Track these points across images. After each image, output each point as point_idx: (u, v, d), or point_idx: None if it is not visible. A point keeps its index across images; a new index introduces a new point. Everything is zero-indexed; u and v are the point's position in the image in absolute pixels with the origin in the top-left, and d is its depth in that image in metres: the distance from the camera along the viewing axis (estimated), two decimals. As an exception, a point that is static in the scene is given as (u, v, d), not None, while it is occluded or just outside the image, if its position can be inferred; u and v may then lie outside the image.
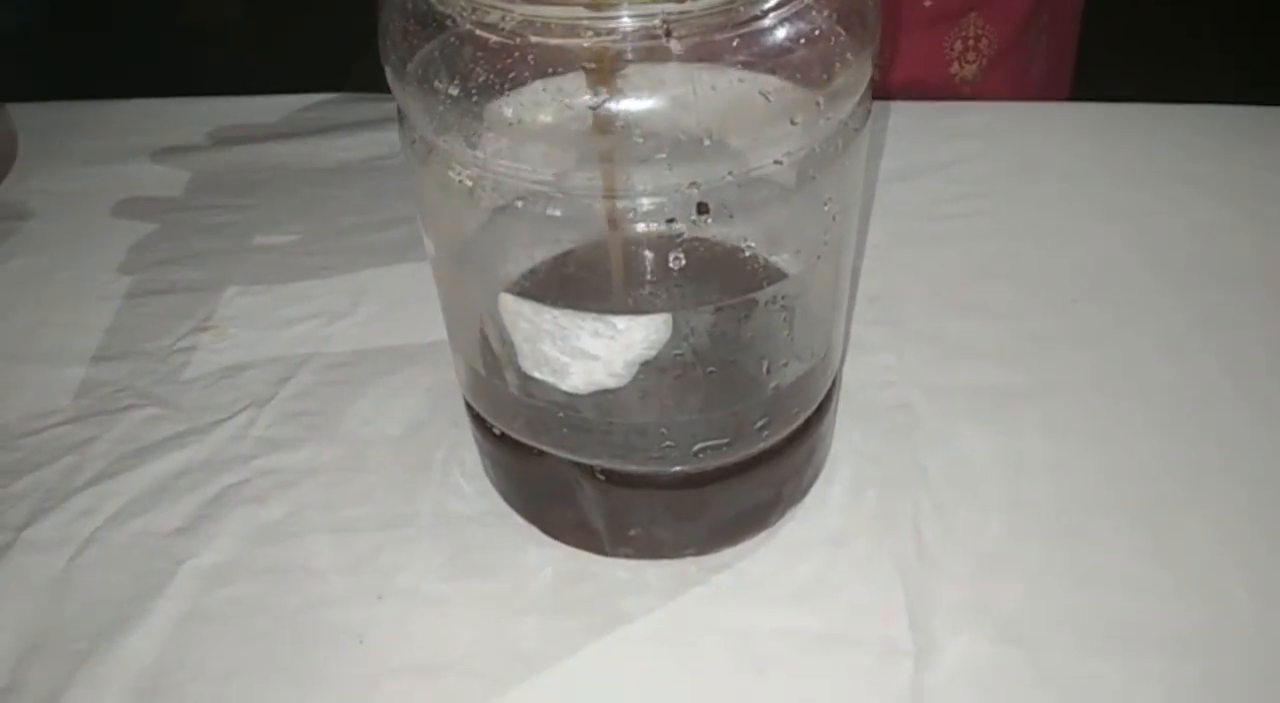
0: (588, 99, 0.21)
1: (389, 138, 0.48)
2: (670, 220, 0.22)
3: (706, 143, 0.22)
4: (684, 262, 0.23)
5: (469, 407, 0.31)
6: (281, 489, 0.34)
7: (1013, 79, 0.52)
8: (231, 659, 0.29)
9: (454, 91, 0.23)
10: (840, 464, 0.33)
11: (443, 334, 0.31)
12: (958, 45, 0.49)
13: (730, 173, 0.22)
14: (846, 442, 0.34)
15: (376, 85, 0.50)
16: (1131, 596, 0.30)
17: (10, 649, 0.30)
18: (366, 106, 0.50)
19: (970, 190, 0.44)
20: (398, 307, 0.40)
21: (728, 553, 0.31)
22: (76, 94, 0.53)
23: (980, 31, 0.49)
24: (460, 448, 0.34)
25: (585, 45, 0.21)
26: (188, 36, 1.32)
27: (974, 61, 0.50)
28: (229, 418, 0.36)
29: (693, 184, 0.22)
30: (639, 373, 0.25)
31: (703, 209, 0.22)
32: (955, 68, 0.50)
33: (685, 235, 0.23)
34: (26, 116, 0.50)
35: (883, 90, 0.24)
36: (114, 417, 0.36)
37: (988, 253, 0.41)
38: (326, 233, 0.44)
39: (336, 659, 0.29)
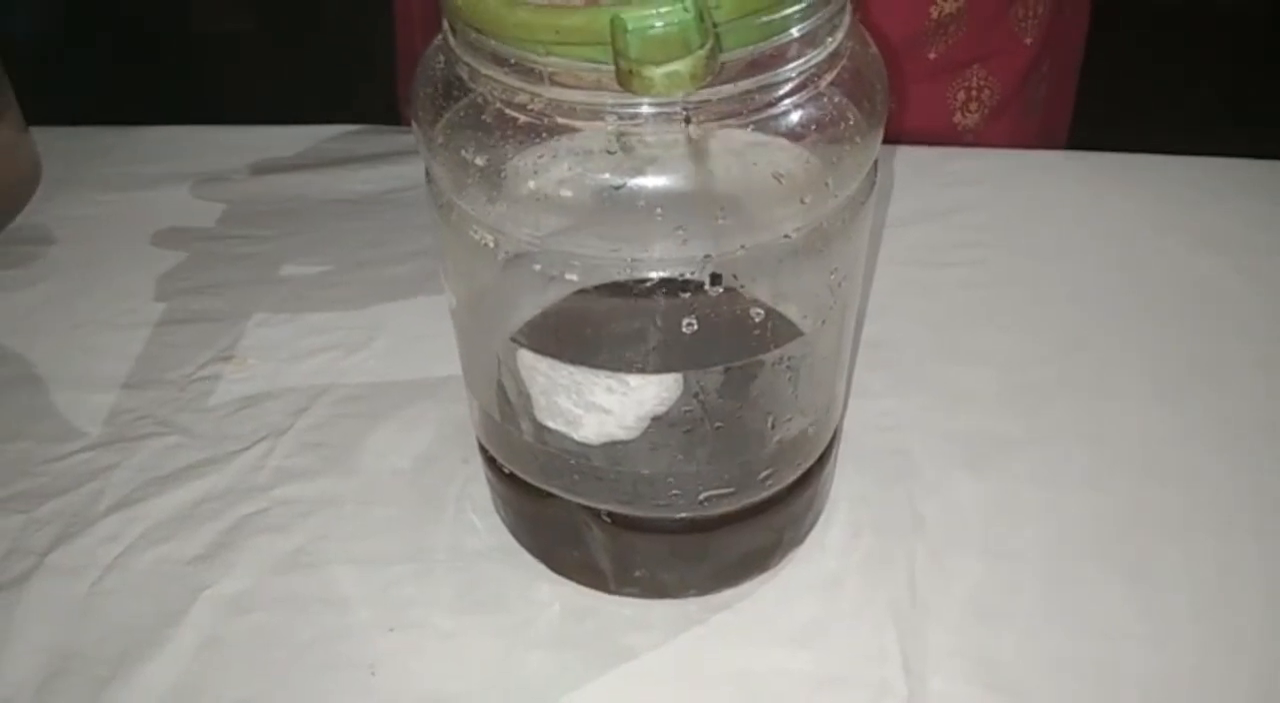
0: (609, 178, 0.22)
1: (405, 171, 0.49)
2: (684, 289, 0.24)
3: (720, 220, 0.23)
4: (696, 327, 0.24)
5: (481, 447, 0.32)
6: (299, 520, 0.35)
7: (1014, 127, 0.53)
8: (247, 689, 0.31)
9: (480, 162, 0.24)
10: (839, 508, 0.35)
11: (455, 370, 0.32)
12: (960, 95, 0.51)
13: (742, 247, 0.23)
14: (846, 485, 0.35)
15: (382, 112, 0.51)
16: (1118, 644, 0.31)
17: (35, 673, 0.31)
18: (383, 139, 0.52)
19: (971, 238, 0.45)
20: (413, 341, 0.41)
21: (729, 594, 0.32)
22: (91, 110, 0.54)
23: (983, 82, 0.51)
24: (471, 483, 0.35)
25: (609, 129, 0.22)
26: (199, 44, 1.34)
27: (976, 111, 0.51)
28: (248, 448, 0.37)
29: (706, 256, 0.23)
30: (649, 427, 0.27)
31: (716, 280, 0.23)
32: (958, 117, 0.52)
33: (697, 302, 0.24)
34: (48, 140, 0.51)
35: (887, 135, 0.25)
36: (136, 444, 0.37)
37: (987, 300, 0.42)
38: (345, 265, 0.45)
39: (348, 691, 0.30)
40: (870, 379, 0.39)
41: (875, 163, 0.26)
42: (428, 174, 0.27)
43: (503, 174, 0.23)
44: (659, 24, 0.20)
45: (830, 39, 0.23)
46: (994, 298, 0.43)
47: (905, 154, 0.49)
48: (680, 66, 0.19)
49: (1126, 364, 0.40)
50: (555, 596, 0.32)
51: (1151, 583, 0.32)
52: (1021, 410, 0.38)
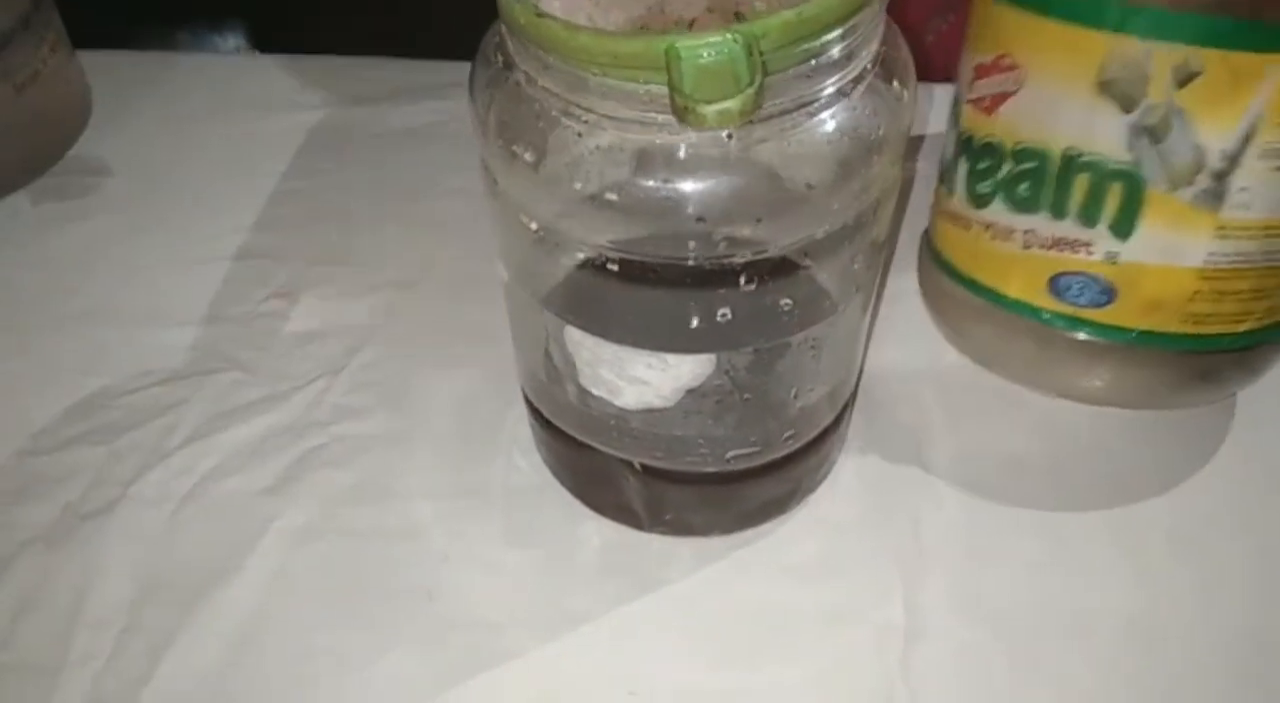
0: (654, 185, 0.25)
1: (448, 106, 0.51)
2: (721, 284, 0.26)
3: (756, 225, 0.25)
4: (730, 315, 0.27)
5: (526, 398, 0.35)
6: (356, 455, 0.38)
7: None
8: (316, 613, 0.34)
9: (528, 157, 0.26)
10: (851, 454, 0.37)
11: (502, 315, 0.35)
12: None
13: (775, 247, 0.26)
14: (859, 433, 0.38)
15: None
16: (1106, 586, 0.34)
17: (127, 592, 0.35)
18: (424, 74, 0.53)
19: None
20: (460, 282, 0.43)
21: (749, 533, 0.35)
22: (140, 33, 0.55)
23: None
24: (517, 425, 0.38)
25: (656, 141, 0.24)
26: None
27: None
28: (306, 385, 0.40)
29: (744, 260, 0.25)
30: (684, 397, 0.29)
31: (749, 280, 0.26)
32: None
33: (731, 295, 0.27)
34: (95, 65, 0.52)
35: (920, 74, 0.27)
36: (203, 380, 0.40)
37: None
38: (397, 201, 0.47)
39: (409, 615, 0.34)
40: (885, 329, 0.41)
41: (901, 161, 0.28)
42: (481, 157, 0.29)
43: (549, 172, 0.25)
44: (708, 53, 0.22)
45: (865, 52, 0.25)
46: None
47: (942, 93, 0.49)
48: (731, 104, 0.21)
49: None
50: (594, 531, 0.36)
51: (1135, 532, 0.35)
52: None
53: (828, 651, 0.33)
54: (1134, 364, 0.33)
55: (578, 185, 0.25)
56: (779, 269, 0.26)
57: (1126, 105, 0.29)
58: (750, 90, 0.21)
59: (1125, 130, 0.29)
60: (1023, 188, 0.32)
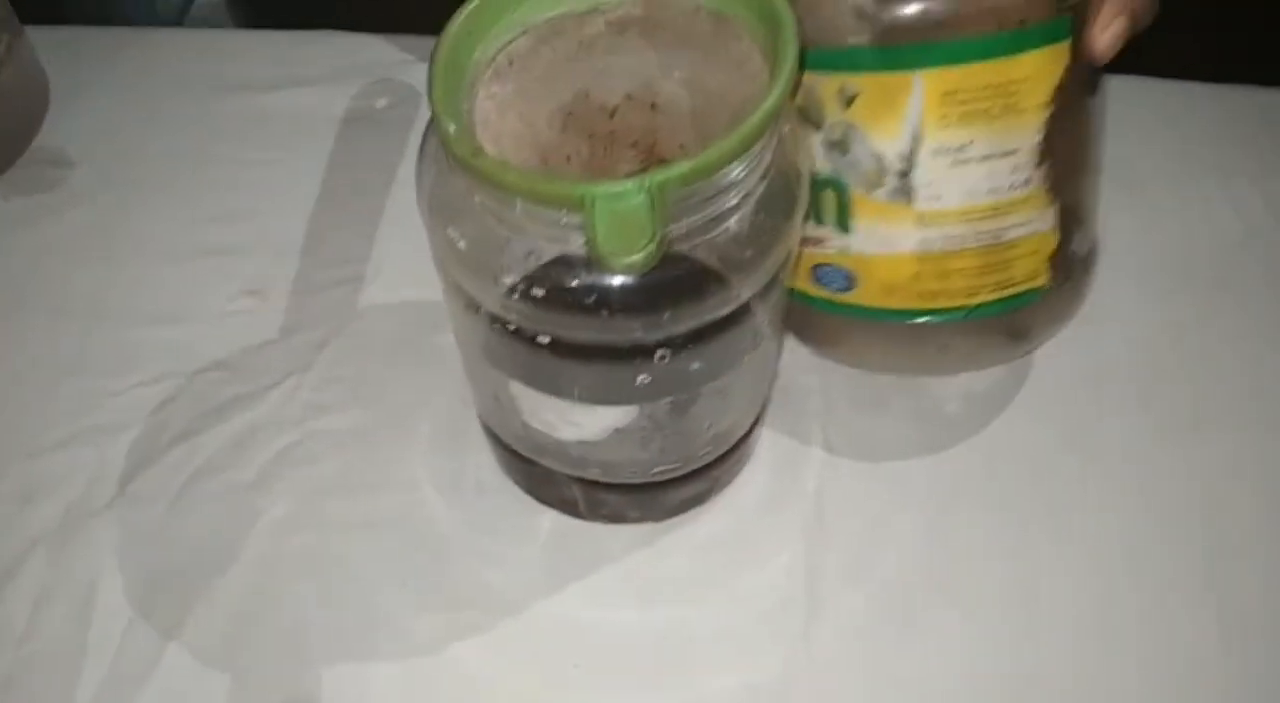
0: (574, 283, 0.28)
1: (391, 87, 0.53)
2: (638, 356, 0.30)
3: (667, 316, 0.29)
4: (648, 379, 0.31)
5: (479, 417, 0.40)
6: (332, 450, 0.42)
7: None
8: (305, 597, 0.39)
9: (461, 245, 0.30)
10: (763, 445, 0.42)
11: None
12: None
13: (686, 327, 0.30)
14: (771, 424, 0.42)
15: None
16: (991, 559, 0.39)
17: (135, 584, 0.39)
18: (369, 51, 0.54)
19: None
20: (425, 273, 0.45)
21: (675, 520, 0.40)
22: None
23: None
24: (477, 421, 0.42)
25: (573, 250, 0.28)
26: None
27: None
28: (279, 382, 0.44)
29: (656, 342, 0.30)
30: (612, 434, 0.34)
31: (663, 355, 0.30)
32: None
33: (648, 364, 0.31)
34: (42, 42, 0.53)
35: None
36: (187, 379, 0.44)
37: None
38: (358, 187, 0.49)
39: (386, 598, 0.39)
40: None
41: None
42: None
43: (479, 261, 0.29)
44: (618, 204, 0.25)
45: (764, 160, 0.29)
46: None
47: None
48: (636, 259, 0.25)
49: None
50: (546, 518, 0.41)
51: (1016, 511, 0.41)
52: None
53: (739, 617, 0.38)
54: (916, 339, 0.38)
55: (506, 279, 0.29)
56: (691, 339, 0.31)
57: (816, 124, 0.33)
58: (652, 246, 0.25)
59: (821, 146, 0.34)
60: None
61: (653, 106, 0.31)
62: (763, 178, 0.29)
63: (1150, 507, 0.41)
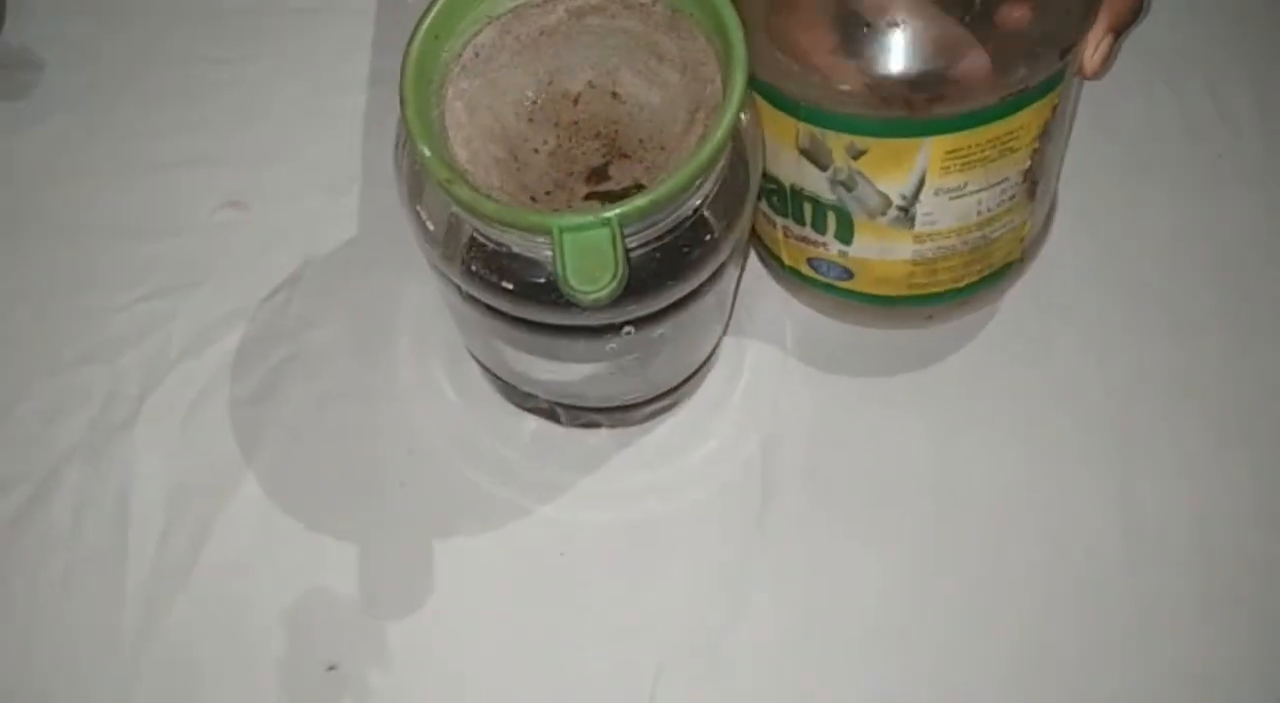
0: (538, 280, 0.31)
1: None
2: (607, 333, 0.34)
3: (631, 304, 0.32)
4: (616, 347, 0.35)
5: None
6: (325, 362, 0.45)
7: None
8: (318, 501, 0.43)
9: (430, 226, 0.32)
10: (726, 353, 0.45)
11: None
12: None
13: (649, 312, 0.33)
14: (734, 331, 0.46)
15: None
16: (930, 461, 0.43)
17: (161, 496, 0.43)
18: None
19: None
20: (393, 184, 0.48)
21: (644, 426, 0.44)
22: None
23: None
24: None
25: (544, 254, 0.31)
26: None
27: None
28: (270, 296, 0.47)
29: (620, 320, 0.33)
30: (586, 377, 0.38)
31: (628, 332, 0.33)
32: None
33: (616, 339, 0.34)
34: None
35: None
36: (182, 293, 0.47)
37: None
38: (325, 89, 0.50)
39: (387, 500, 0.43)
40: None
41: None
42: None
43: (450, 251, 0.32)
44: (584, 237, 0.28)
45: (714, 178, 0.31)
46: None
47: None
48: (602, 294, 0.27)
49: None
50: (530, 422, 0.44)
51: (951, 419, 0.45)
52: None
53: (703, 506, 0.43)
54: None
55: (474, 267, 0.32)
56: (656, 315, 0.34)
57: (821, 166, 0.36)
58: (614, 283, 0.28)
59: (825, 182, 0.36)
60: (773, 200, 0.39)
61: (614, 95, 0.33)
62: (717, 180, 0.31)
63: (1067, 410, 0.45)
